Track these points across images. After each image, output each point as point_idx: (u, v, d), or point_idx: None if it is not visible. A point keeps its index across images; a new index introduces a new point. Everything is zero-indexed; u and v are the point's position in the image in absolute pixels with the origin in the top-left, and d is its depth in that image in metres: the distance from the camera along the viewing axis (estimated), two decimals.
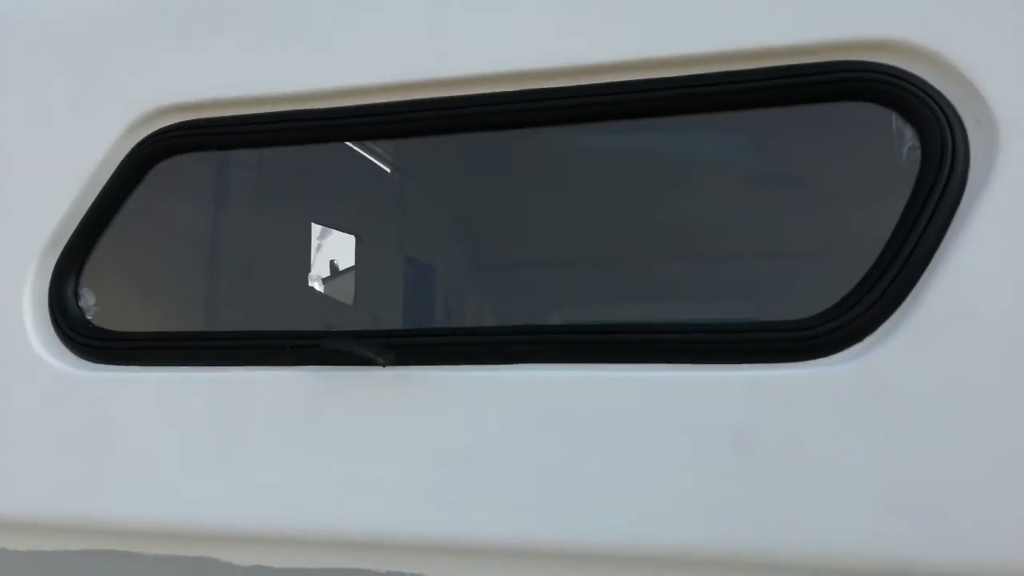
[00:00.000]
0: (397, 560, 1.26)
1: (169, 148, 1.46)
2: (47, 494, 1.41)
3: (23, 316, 1.44)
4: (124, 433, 1.38)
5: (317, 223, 3.32)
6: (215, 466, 1.34)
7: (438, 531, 1.22)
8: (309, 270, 3.35)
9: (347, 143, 2.39)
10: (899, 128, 1.18)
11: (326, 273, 3.84)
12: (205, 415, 1.35)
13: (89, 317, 1.47)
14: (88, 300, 1.48)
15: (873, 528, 1.06)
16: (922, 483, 1.05)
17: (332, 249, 3.74)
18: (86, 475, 1.39)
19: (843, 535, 1.07)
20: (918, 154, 1.16)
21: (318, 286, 3.63)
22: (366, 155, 2.94)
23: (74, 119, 1.49)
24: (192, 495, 1.35)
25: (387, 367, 1.26)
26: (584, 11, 1.27)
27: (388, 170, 3.17)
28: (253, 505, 1.32)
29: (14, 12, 1.61)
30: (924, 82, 1.16)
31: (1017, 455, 1.03)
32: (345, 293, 3.64)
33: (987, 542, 1.03)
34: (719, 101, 1.24)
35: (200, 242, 2.23)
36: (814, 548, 1.08)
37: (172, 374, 1.38)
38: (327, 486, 1.28)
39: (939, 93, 1.15)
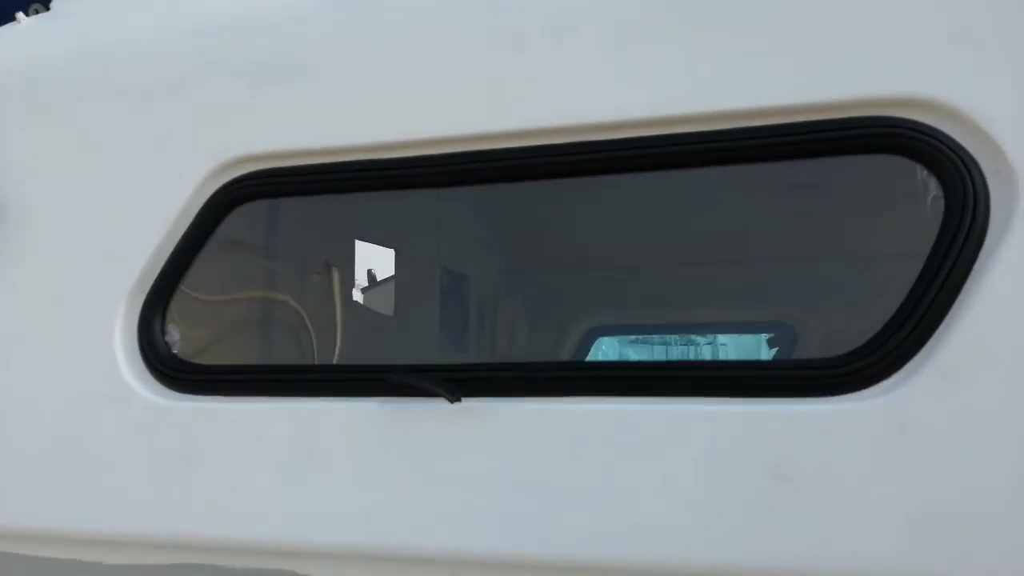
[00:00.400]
0: None
1: (244, 196, 1.58)
2: (140, 513, 1.55)
3: (115, 352, 1.58)
4: (210, 457, 1.51)
5: (359, 239, 3.45)
6: (292, 488, 1.47)
7: (498, 550, 1.34)
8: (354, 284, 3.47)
9: None
10: (924, 180, 1.28)
11: (365, 284, 3.98)
12: (283, 441, 1.48)
13: (175, 351, 1.60)
14: (173, 335, 1.62)
15: (898, 550, 1.16)
16: (943, 510, 1.16)
17: (372, 262, 3.87)
18: (176, 495, 1.52)
19: (871, 556, 1.17)
20: (942, 204, 1.25)
21: (359, 298, 3.77)
22: None
23: (156, 170, 1.62)
24: (271, 514, 1.48)
25: (453, 402, 1.38)
26: (635, 68, 1.37)
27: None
28: (328, 524, 1.44)
29: (98, 66, 1.74)
30: (947, 136, 1.25)
31: None
32: (384, 303, 3.78)
33: (1005, 565, 1.14)
34: (760, 153, 1.34)
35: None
36: (845, 568, 1.19)
37: (253, 404, 1.51)
38: (396, 508, 1.40)
39: (961, 147, 1.24)
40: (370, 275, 4.03)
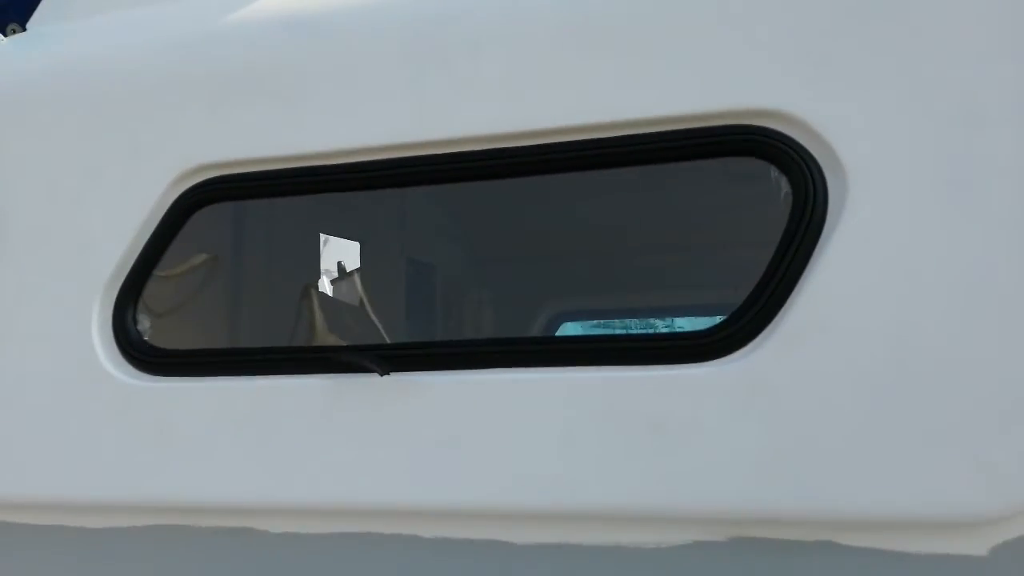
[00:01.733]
0: (397, 524, 1.61)
1: (206, 199, 1.79)
2: (119, 482, 1.75)
3: (93, 340, 1.78)
4: (179, 430, 1.72)
5: (325, 232, 3.65)
6: (252, 455, 1.68)
7: (428, 500, 1.56)
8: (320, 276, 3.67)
9: None
10: (777, 178, 1.51)
11: (334, 275, 4.17)
12: (243, 414, 1.69)
13: (146, 338, 1.81)
14: (144, 324, 1.83)
15: (752, 488, 1.40)
16: (787, 452, 1.39)
17: (339, 254, 4.06)
18: (150, 465, 1.73)
19: (730, 492, 1.41)
20: (791, 198, 1.48)
21: (327, 289, 3.96)
22: None
23: (126, 176, 1.82)
24: (234, 478, 1.68)
25: (383, 375, 1.60)
26: (525, 83, 1.59)
27: None
28: (283, 485, 1.65)
29: (74, 81, 1.94)
30: (795, 141, 1.48)
31: (856, 428, 1.36)
32: (351, 294, 3.97)
33: (836, 495, 1.37)
34: (639, 158, 1.57)
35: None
36: (710, 504, 1.42)
37: (216, 383, 1.72)
38: (340, 468, 1.61)
39: (806, 150, 1.47)
40: (339, 267, 4.22)
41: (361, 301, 3.87)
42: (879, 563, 1.39)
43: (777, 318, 1.43)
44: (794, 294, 1.43)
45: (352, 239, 3.89)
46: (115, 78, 1.91)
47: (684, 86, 1.52)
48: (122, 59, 1.94)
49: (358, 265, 3.96)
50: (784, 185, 1.49)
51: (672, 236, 3.73)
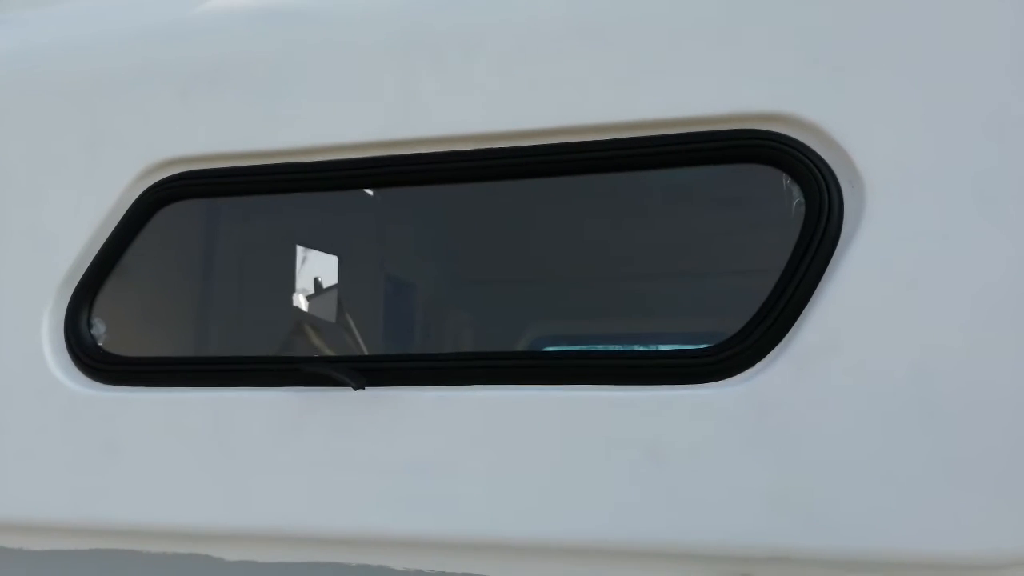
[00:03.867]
0: (366, 554, 1.47)
1: (172, 196, 1.66)
2: (62, 500, 1.61)
3: (42, 343, 1.64)
4: (130, 446, 1.58)
5: (301, 245, 3.52)
6: (209, 474, 1.54)
7: (401, 528, 1.43)
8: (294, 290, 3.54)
9: None
10: (788, 187, 1.41)
11: (310, 291, 4.04)
12: (201, 429, 1.55)
13: (100, 344, 1.67)
14: (99, 328, 1.68)
15: (759, 521, 1.28)
16: (798, 483, 1.28)
17: (315, 269, 3.94)
18: (96, 483, 1.59)
19: (735, 527, 1.29)
20: (803, 209, 1.38)
21: (303, 305, 3.83)
22: None
23: (87, 169, 1.69)
24: (188, 500, 1.55)
25: (357, 389, 1.47)
26: (520, 80, 1.49)
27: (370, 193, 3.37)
28: (241, 508, 1.52)
29: (34, 69, 1.81)
30: (809, 149, 1.38)
31: (872, 458, 1.25)
32: (328, 311, 3.84)
33: (852, 531, 1.26)
34: (644, 161, 1.46)
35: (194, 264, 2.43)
36: (712, 538, 1.30)
37: (173, 394, 1.58)
38: (306, 491, 1.48)
39: (820, 159, 1.37)
40: (316, 283, 4.09)
41: (338, 317, 3.74)
42: None
43: (787, 337, 1.32)
44: (806, 311, 1.32)
45: (329, 253, 3.77)
46: (79, 67, 1.79)
47: (689, 87, 1.42)
48: (87, 47, 1.82)
49: (335, 281, 3.84)
50: (796, 194, 1.39)
51: (660, 261, 3.64)
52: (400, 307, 3.89)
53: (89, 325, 1.67)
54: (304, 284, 3.75)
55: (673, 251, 3.41)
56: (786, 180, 1.41)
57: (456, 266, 4.08)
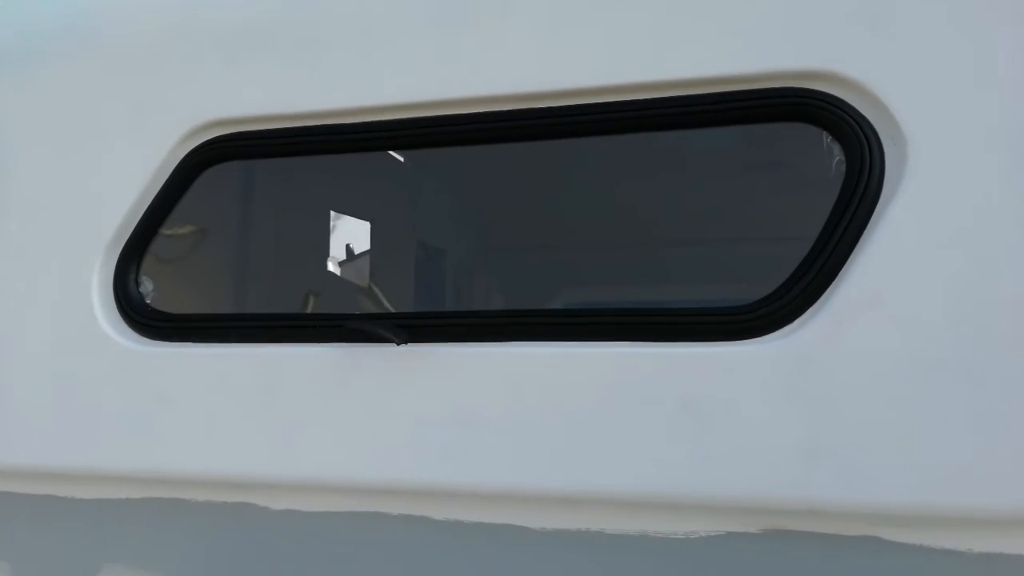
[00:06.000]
0: (407, 504, 1.51)
1: (216, 157, 1.69)
2: (114, 451, 1.66)
3: (92, 301, 1.69)
4: (179, 399, 1.63)
5: (335, 211, 3.56)
6: (255, 426, 1.59)
7: (441, 479, 1.47)
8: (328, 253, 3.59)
9: None
10: (829, 145, 1.41)
11: (343, 256, 4.10)
12: (247, 384, 1.60)
13: (148, 301, 1.72)
14: (147, 286, 1.73)
15: (793, 474, 1.30)
16: (833, 438, 1.29)
17: (348, 233, 3.98)
18: (147, 434, 1.64)
19: (769, 480, 1.31)
20: (844, 167, 1.38)
21: (335, 269, 3.88)
22: None
23: (133, 131, 1.73)
24: (235, 451, 1.59)
25: (400, 344, 1.50)
26: (557, 40, 1.49)
27: (401, 159, 3.39)
28: (286, 459, 1.56)
29: (79, 34, 1.85)
30: (849, 106, 1.37)
31: (909, 413, 1.26)
32: (360, 275, 3.90)
33: (886, 485, 1.27)
34: (682, 120, 1.47)
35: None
36: (749, 491, 1.32)
37: (220, 349, 1.63)
38: (349, 443, 1.52)
39: (862, 116, 1.37)
40: (348, 249, 4.14)
41: (369, 285, 3.79)
42: (927, 561, 1.29)
43: (826, 293, 1.33)
44: (845, 268, 1.32)
45: (363, 219, 3.81)
46: (123, 31, 1.82)
47: (727, 45, 1.42)
48: (130, 11, 1.84)
49: (368, 246, 3.89)
50: (837, 152, 1.39)
51: (695, 225, 3.62)
52: (430, 272, 3.93)
53: (137, 283, 1.72)
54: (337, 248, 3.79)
55: (710, 215, 3.40)
56: (826, 138, 1.41)
57: (490, 232, 4.09)
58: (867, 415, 1.28)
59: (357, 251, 3.99)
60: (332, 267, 3.62)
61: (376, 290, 3.63)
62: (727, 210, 3.26)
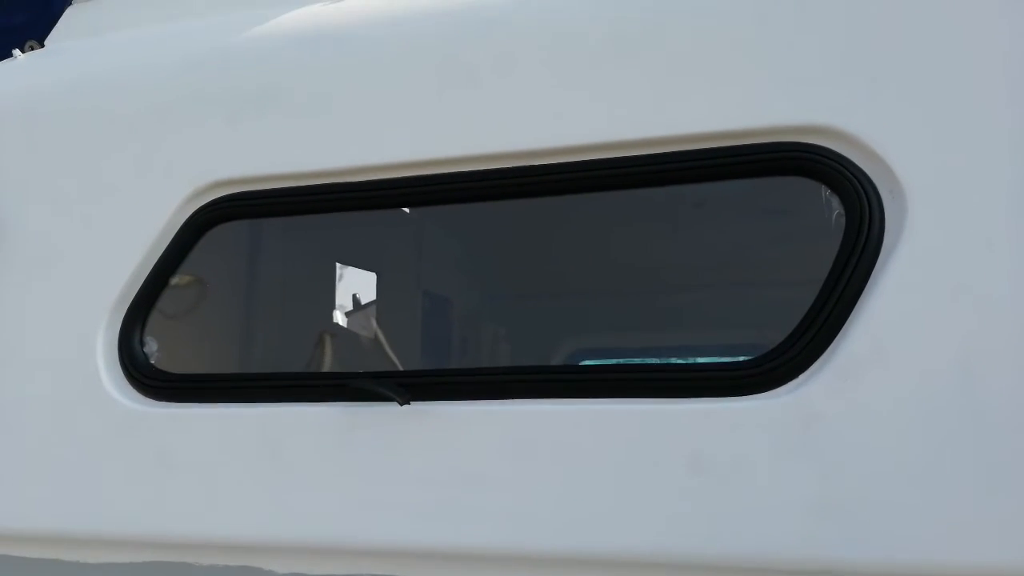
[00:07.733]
0: (413, 567, 1.49)
1: (221, 217, 1.71)
2: (117, 514, 1.65)
3: (97, 362, 1.69)
4: (182, 460, 1.62)
5: (341, 262, 3.58)
6: (259, 488, 1.57)
7: (446, 541, 1.45)
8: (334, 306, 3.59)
9: None
10: (828, 199, 1.41)
11: (349, 307, 4.10)
12: (251, 444, 1.59)
13: (152, 361, 1.72)
14: (152, 346, 1.74)
15: (805, 533, 1.27)
16: (843, 494, 1.27)
17: (354, 285, 3.99)
18: (150, 497, 1.63)
19: (780, 540, 1.28)
20: (843, 220, 1.38)
21: (342, 320, 3.88)
22: None
23: (138, 193, 1.75)
24: (239, 513, 1.58)
25: (403, 404, 1.49)
26: (558, 97, 1.51)
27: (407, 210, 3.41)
28: (291, 521, 1.55)
29: (85, 98, 1.88)
30: (848, 160, 1.38)
31: (918, 469, 1.24)
32: (366, 327, 3.89)
33: (898, 543, 1.25)
34: (683, 175, 1.48)
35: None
36: (757, 551, 1.30)
37: (223, 410, 1.62)
38: (354, 504, 1.51)
39: (860, 170, 1.37)
40: (354, 299, 4.15)
41: (375, 334, 3.78)
42: None
43: (831, 348, 1.32)
44: (849, 321, 1.32)
45: (368, 270, 3.82)
46: (130, 94, 1.85)
47: (728, 101, 1.43)
48: (138, 75, 1.88)
49: (374, 297, 3.89)
50: (836, 205, 1.39)
51: (698, 273, 3.63)
52: (437, 321, 3.93)
53: (142, 343, 1.72)
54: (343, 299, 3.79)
55: (712, 264, 3.40)
56: (825, 192, 1.41)
57: (495, 281, 4.10)
58: (876, 471, 1.26)
59: (364, 301, 3.99)
60: (338, 318, 3.62)
61: (382, 338, 3.63)
62: (731, 259, 3.27)
